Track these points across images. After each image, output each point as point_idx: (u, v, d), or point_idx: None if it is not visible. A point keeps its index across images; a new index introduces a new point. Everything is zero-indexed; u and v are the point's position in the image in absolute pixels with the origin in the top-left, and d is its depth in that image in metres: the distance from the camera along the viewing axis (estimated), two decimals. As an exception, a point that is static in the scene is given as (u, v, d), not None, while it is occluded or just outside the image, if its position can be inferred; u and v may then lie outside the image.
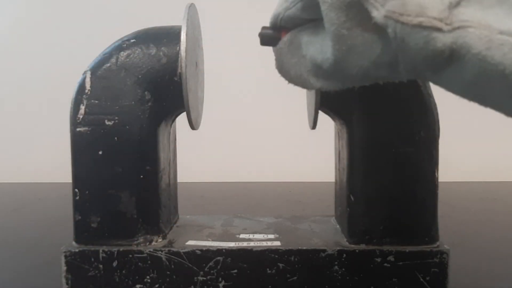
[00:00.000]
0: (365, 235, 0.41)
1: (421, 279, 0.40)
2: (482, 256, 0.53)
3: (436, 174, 0.41)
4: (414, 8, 0.22)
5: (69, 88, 0.43)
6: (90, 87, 0.41)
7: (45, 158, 1.05)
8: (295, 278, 0.41)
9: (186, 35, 0.40)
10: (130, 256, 0.41)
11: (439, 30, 0.21)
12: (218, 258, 0.41)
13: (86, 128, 0.41)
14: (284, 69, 0.31)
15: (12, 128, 1.10)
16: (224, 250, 0.41)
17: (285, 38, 0.31)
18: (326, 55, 0.27)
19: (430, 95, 0.41)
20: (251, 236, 0.44)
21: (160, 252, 0.41)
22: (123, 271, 0.41)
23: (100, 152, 0.41)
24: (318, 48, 0.28)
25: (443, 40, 0.22)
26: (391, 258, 0.40)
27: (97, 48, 0.44)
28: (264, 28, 0.33)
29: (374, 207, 0.41)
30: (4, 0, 1.09)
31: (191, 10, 0.43)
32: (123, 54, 0.41)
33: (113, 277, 0.41)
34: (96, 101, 0.41)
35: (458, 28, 0.21)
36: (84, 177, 0.41)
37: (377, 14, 0.23)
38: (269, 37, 0.32)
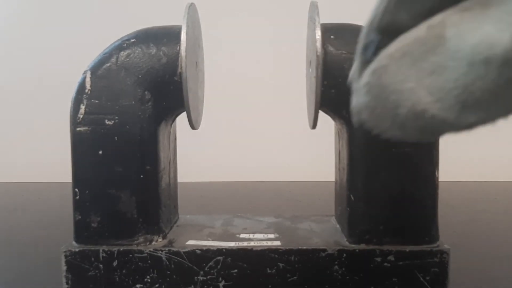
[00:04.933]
0: (365, 235, 0.41)
1: (421, 279, 0.40)
2: (482, 255, 0.53)
3: (436, 174, 0.41)
4: None
5: (69, 88, 0.43)
6: (90, 86, 0.41)
7: (45, 158, 1.05)
8: (295, 278, 0.41)
9: (186, 34, 0.41)
10: (130, 255, 0.41)
11: None
12: (218, 257, 0.41)
13: (86, 128, 0.41)
14: (383, 102, 0.19)
15: (12, 128, 1.10)
16: (224, 250, 0.41)
17: (391, 48, 0.19)
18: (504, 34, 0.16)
19: (430, 95, 0.41)
20: (251, 235, 0.44)
21: (160, 251, 0.41)
22: (123, 271, 0.41)
23: (100, 152, 0.41)
24: (490, 30, 0.16)
25: None
26: (391, 257, 0.40)
27: (97, 48, 0.44)
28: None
29: (374, 207, 0.41)
30: None
31: (191, 10, 0.43)
32: (123, 53, 0.41)
33: (113, 276, 0.41)
34: (96, 101, 0.41)
35: None
36: (84, 177, 0.41)
37: None
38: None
